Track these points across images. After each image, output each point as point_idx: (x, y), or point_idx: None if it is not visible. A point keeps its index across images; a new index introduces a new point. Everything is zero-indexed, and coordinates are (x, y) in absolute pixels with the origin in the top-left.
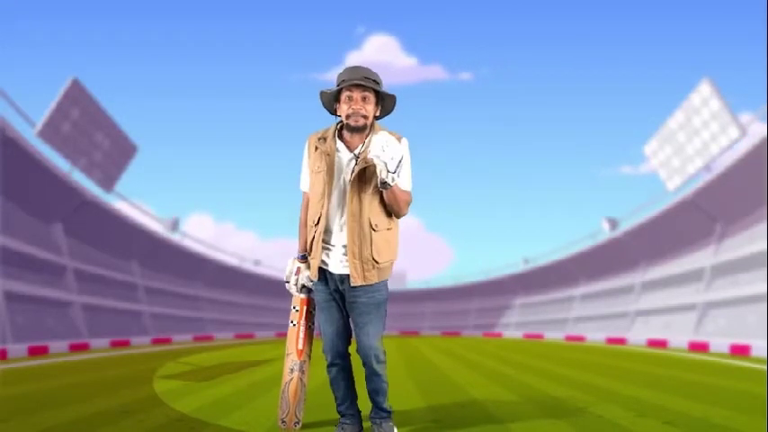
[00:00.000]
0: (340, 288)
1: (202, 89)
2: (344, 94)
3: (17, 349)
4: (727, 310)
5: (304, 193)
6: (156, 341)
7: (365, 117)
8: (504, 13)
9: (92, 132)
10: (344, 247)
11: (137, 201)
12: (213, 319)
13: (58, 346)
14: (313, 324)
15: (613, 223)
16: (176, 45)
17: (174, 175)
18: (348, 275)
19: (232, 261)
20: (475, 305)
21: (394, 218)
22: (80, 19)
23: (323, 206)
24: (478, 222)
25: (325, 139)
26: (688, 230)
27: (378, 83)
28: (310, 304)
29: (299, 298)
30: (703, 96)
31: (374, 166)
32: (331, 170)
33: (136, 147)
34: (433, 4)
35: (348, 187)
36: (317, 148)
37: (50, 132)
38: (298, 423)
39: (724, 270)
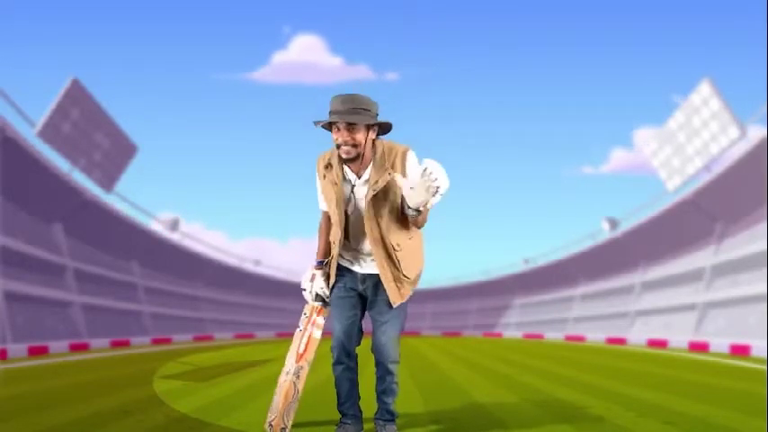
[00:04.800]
0: (362, 287)
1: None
2: (333, 126)
3: (17, 349)
4: (727, 310)
5: (323, 211)
6: (156, 341)
7: (355, 146)
8: (434, 11)
9: (92, 132)
10: (370, 255)
11: (135, 200)
12: (213, 319)
13: (58, 346)
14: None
15: (613, 223)
16: (167, 44)
17: (151, 175)
18: (373, 274)
19: (232, 261)
20: (475, 305)
21: (412, 227)
22: (80, 19)
23: (338, 234)
24: (474, 223)
25: (330, 165)
26: (688, 230)
27: (368, 110)
28: (321, 312)
29: (311, 305)
30: (703, 96)
31: (385, 189)
32: (340, 200)
33: (136, 147)
34: (358, 3)
35: (364, 215)
36: (325, 176)
37: (50, 132)
38: (285, 429)
39: (724, 270)
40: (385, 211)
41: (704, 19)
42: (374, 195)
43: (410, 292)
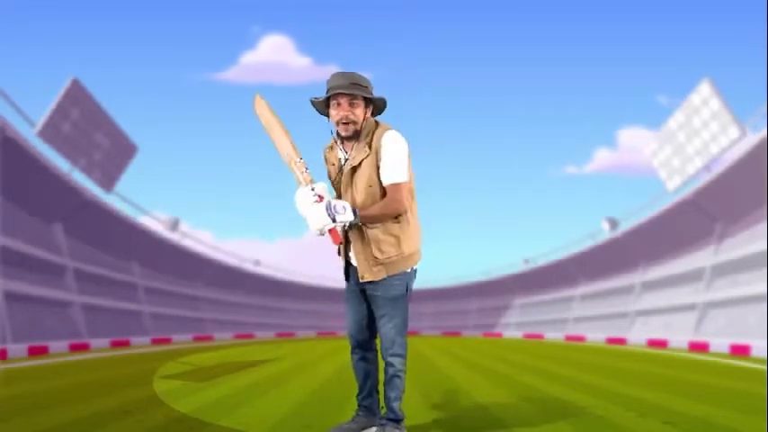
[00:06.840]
0: (360, 283)
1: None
2: (333, 101)
3: (17, 349)
4: (727, 310)
5: None
6: (156, 341)
7: (354, 123)
8: (405, 11)
9: (92, 132)
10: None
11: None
12: (213, 319)
13: (58, 346)
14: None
15: (613, 223)
16: (163, 43)
17: (150, 175)
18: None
19: (232, 261)
20: (475, 305)
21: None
22: (80, 19)
23: None
24: (473, 223)
25: (332, 147)
26: (688, 230)
27: (366, 87)
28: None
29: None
30: (703, 96)
31: (362, 164)
32: (339, 178)
33: (136, 147)
34: (326, 3)
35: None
36: (328, 159)
37: (50, 132)
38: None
39: (724, 270)
40: (361, 186)
41: (704, 19)
42: (352, 168)
43: (384, 275)
